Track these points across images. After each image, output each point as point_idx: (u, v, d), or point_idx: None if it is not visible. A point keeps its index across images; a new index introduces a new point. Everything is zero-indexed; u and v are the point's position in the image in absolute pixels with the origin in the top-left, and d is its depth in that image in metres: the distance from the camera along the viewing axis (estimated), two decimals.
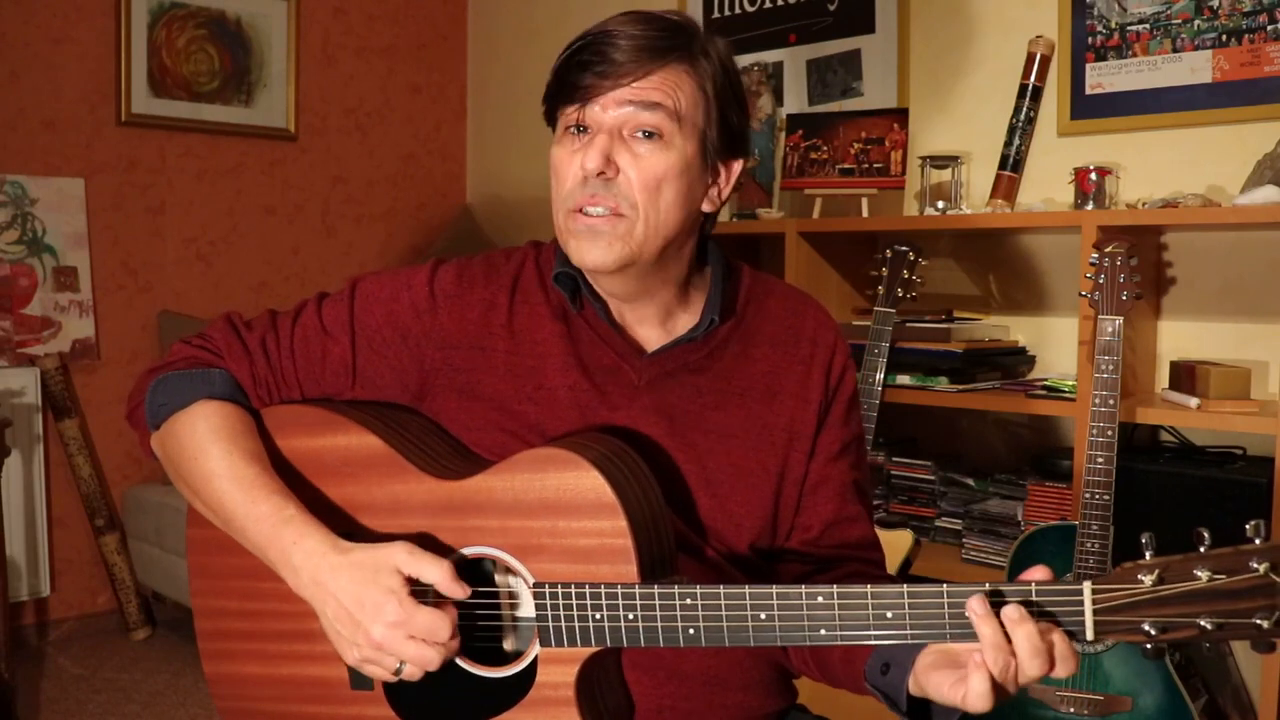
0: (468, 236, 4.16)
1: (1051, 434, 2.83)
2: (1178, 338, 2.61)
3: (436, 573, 1.07)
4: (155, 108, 3.68)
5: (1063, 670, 0.94)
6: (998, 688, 0.94)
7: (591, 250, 1.13)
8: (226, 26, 3.82)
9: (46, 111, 3.48)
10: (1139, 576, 0.90)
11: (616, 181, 1.13)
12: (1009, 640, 0.93)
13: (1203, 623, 0.88)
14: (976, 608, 0.94)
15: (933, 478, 2.77)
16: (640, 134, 1.13)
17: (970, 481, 2.73)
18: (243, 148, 3.90)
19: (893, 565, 2.48)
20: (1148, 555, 0.91)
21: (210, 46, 3.79)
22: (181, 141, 3.75)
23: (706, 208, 1.21)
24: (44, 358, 3.45)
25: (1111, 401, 2.08)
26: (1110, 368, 2.10)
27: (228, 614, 1.26)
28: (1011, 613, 0.93)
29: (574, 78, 1.14)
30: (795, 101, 3.30)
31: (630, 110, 1.12)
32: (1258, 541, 0.88)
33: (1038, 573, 0.96)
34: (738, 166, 1.22)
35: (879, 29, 3.12)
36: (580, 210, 1.14)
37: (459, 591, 1.07)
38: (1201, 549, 0.89)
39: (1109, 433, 2.08)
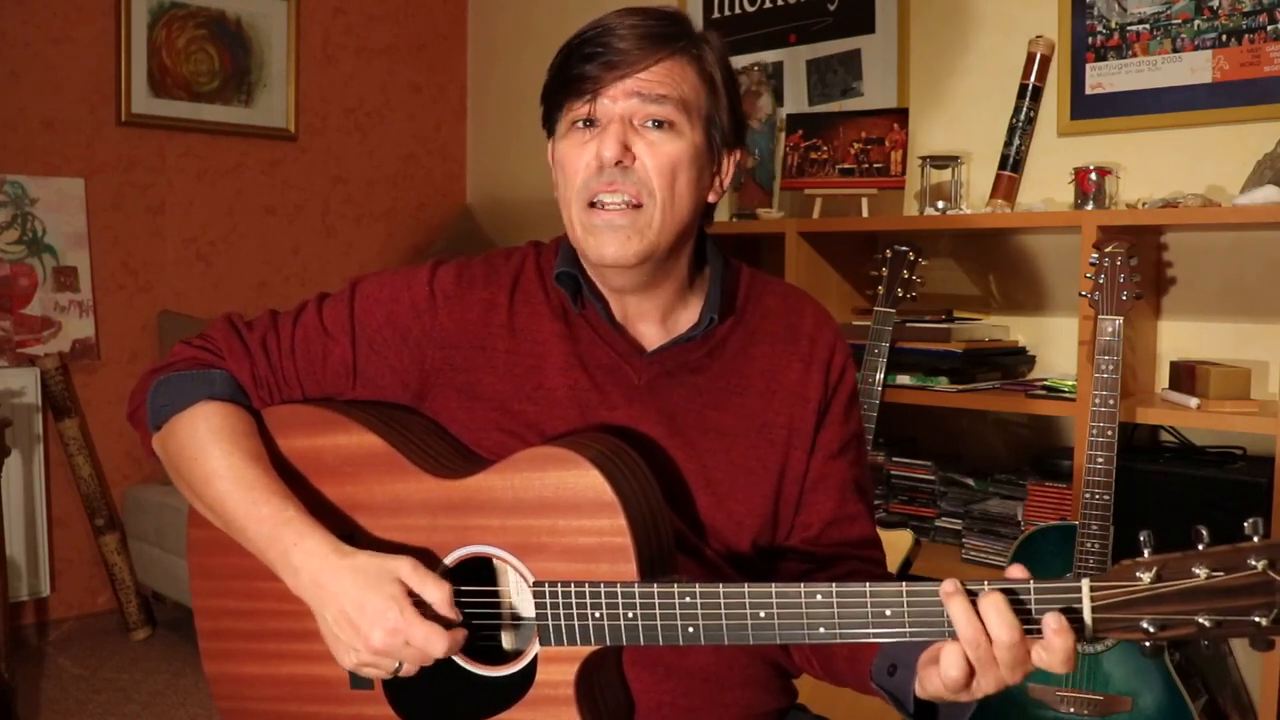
0: (468, 236, 4.16)
1: (1051, 434, 2.82)
2: (1178, 338, 2.61)
3: (437, 593, 1.07)
4: (155, 108, 3.68)
5: (1056, 662, 0.92)
6: (977, 670, 0.94)
7: (611, 244, 1.14)
8: (226, 26, 3.82)
9: (46, 111, 3.48)
10: (1137, 574, 0.90)
11: (634, 169, 1.13)
12: (980, 619, 0.93)
13: (1201, 620, 0.88)
14: (947, 587, 0.94)
15: (933, 478, 2.77)
16: (650, 124, 1.14)
17: (970, 481, 2.73)
18: (243, 148, 3.90)
19: (893, 565, 2.48)
20: (1146, 553, 0.91)
21: (210, 46, 3.79)
22: (181, 141, 3.75)
23: (711, 198, 1.23)
24: (44, 358, 3.45)
25: (1111, 401, 2.08)
26: (1110, 368, 2.10)
27: (228, 614, 1.26)
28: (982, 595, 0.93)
29: (578, 71, 1.14)
30: (795, 101, 3.30)
31: (638, 101, 1.13)
32: (1256, 539, 0.88)
33: (1016, 571, 0.95)
34: (737, 156, 1.23)
35: (879, 29, 3.12)
36: (594, 203, 1.14)
37: (452, 616, 1.08)
38: (1200, 547, 0.89)
39: (1109, 433, 2.08)
